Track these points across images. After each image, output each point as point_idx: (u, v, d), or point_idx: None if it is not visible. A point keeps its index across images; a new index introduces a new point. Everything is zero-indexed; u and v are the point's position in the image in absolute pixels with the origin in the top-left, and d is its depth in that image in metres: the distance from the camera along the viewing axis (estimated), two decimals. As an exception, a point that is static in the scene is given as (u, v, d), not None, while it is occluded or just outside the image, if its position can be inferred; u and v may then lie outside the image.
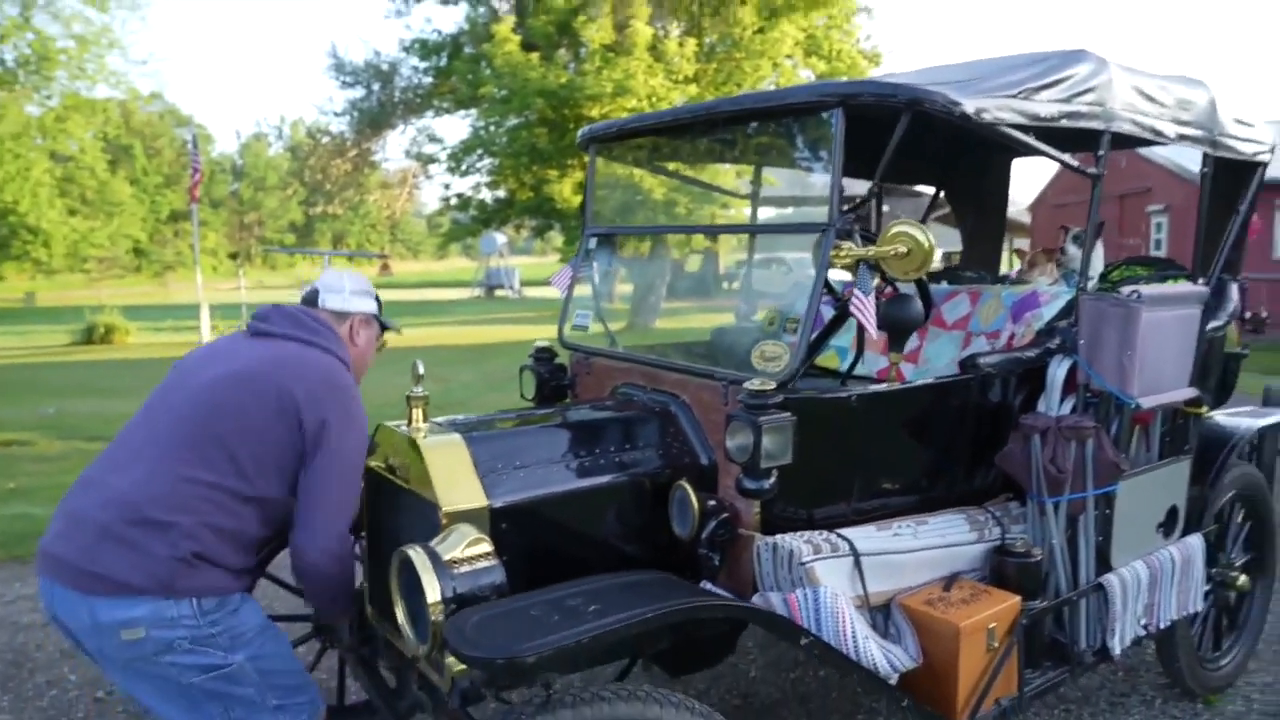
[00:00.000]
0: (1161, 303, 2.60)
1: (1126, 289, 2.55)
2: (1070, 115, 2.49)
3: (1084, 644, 2.61)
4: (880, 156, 2.22)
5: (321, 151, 28.69)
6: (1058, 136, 2.55)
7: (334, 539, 2.13)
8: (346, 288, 2.41)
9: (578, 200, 15.95)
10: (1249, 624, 3.51)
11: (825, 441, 2.27)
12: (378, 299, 2.50)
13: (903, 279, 2.27)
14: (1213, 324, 3.15)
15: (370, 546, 2.44)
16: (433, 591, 1.79)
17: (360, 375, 2.42)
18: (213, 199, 51.04)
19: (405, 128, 22.89)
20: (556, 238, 20.05)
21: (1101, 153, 2.64)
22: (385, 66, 21.44)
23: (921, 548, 2.34)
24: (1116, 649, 2.63)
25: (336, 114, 23.39)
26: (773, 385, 2.09)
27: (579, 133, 3.19)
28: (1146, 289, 2.55)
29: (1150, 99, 2.77)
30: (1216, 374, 3.39)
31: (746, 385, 2.09)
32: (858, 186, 2.63)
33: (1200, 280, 3.11)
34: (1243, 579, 3.26)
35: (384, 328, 2.54)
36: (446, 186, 23.75)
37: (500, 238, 30.80)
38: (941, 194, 4.29)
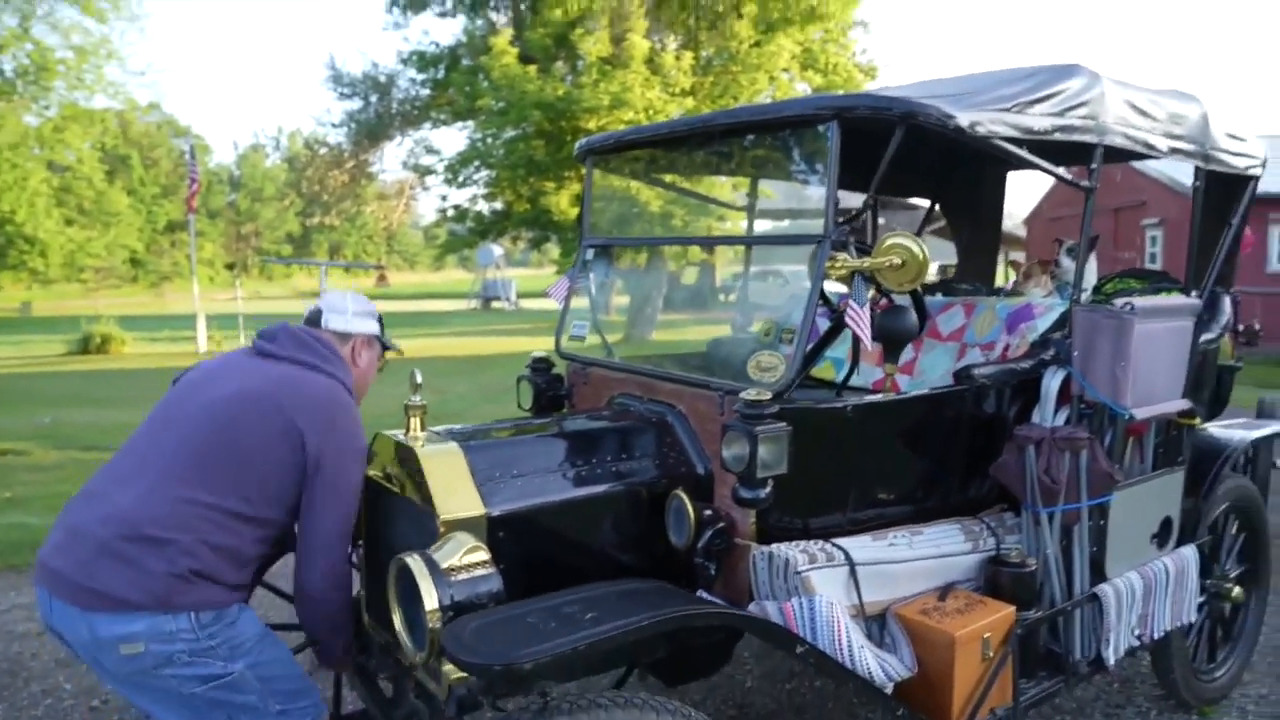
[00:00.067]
0: (1154, 315, 2.62)
1: (1120, 301, 2.57)
2: (1063, 129, 2.52)
3: (1079, 654, 2.62)
4: (875, 169, 2.24)
5: (319, 162, 28.72)
6: (1051, 150, 2.57)
7: (334, 566, 2.15)
8: (350, 309, 2.43)
9: (574, 212, 16.00)
10: (1244, 636, 3.52)
11: (821, 451, 2.28)
12: (380, 320, 2.52)
13: (897, 291, 2.29)
14: (1206, 336, 3.17)
15: (368, 555, 2.45)
16: (430, 599, 1.80)
17: (361, 395, 2.44)
18: (210, 209, 51.03)
19: (402, 139, 22.88)
20: (553, 250, 20.08)
21: (1094, 166, 2.66)
22: (383, 78, 21.51)
23: (917, 558, 2.35)
24: (1111, 659, 2.64)
25: (334, 125, 23.47)
26: (769, 395, 2.10)
27: (577, 144, 3.21)
28: (1139, 301, 2.57)
29: (1142, 113, 2.79)
30: (1210, 386, 3.41)
31: (742, 395, 2.10)
32: (853, 199, 2.65)
33: (1193, 293, 3.14)
34: (1237, 591, 3.27)
35: (385, 348, 2.56)
36: (443, 198, 23.79)
37: (497, 249, 30.84)
38: (937, 207, 4.32)
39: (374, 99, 21.76)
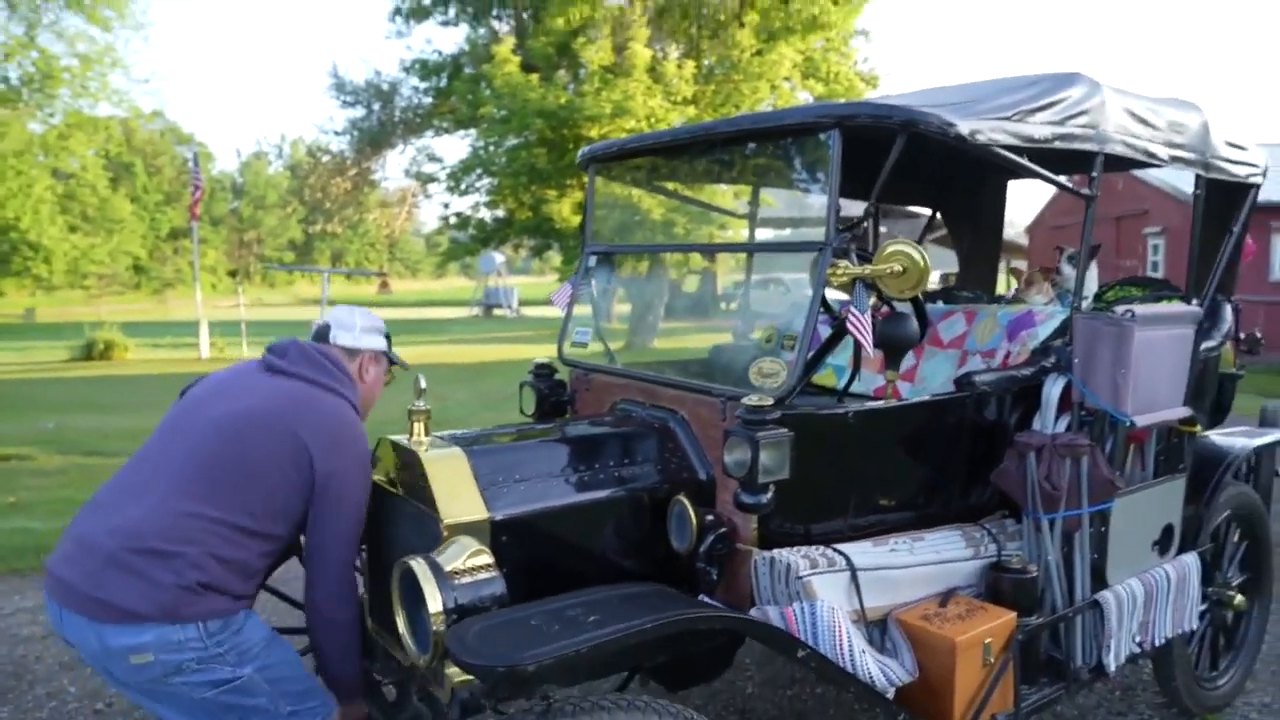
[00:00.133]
0: (1155, 322, 2.63)
1: (1120, 308, 2.58)
2: (1063, 137, 2.53)
3: (1080, 660, 2.62)
4: (877, 177, 2.25)
5: (321, 170, 28.83)
6: (1052, 158, 2.59)
7: (342, 584, 2.17)
8: (358, 325, 2.45)
9: (576, 220, 16.04)
10: (1246, 644, 3.52)
11: (822, 457, 2.29)
12: (387, 335, 2.54)
13: (898, 297, 2.30)
14: (1207, 344, 3.18)
15: (371, 558, 2.46)
16: (434, 602, 1.81)
17: (367, 410, 2.46)
18: (213, 217, 51.20)
19: (405, 147, 23.02)
20: (555, 257, 20.13)
21: (1094, 174, 2.67)
22: (385, 86, 21.62)
23: (918, 563, 2.36)
24: (1112, 666, 2.64)
25: (337, 133, 23.54)
26: (770, 401, 2.11)
27: (579, 152, 3.23)
28: (1140, 308, 2.57)
29: (1143, 121, 2.81)
30: (1212, 394, 3.42)
31: (744, 401, 2.11)
32: (855, 208, 2.66)
33: (1194, 301, 3.15)
34: (1239, 598, 3.27)
35: (392, 363, 2.58)
36: (446, 206, 23.96)
37: (499, 257, 30.89)
38: (938, 215, 4.33)
39: (377, 107, 21.86)
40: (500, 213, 18.72)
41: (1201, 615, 3.10)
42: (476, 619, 1.78)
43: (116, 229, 39.93)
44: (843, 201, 2.33)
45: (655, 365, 3.24)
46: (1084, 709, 3.38)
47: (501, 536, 2.06)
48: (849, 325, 2.21)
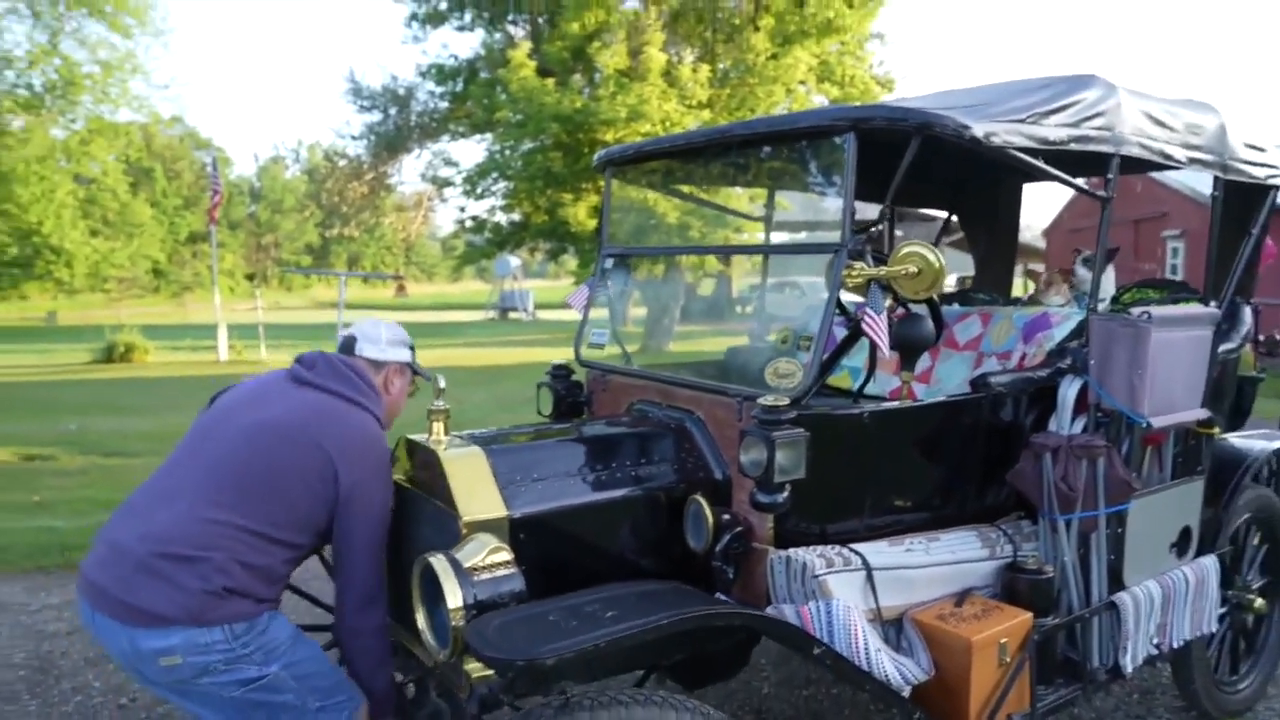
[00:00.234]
0: (1172, 323, 2.62)
1: (1137, 310, 2.58)
2: (1079, 139, 2.54)
3: (1096, 662, 2.62)
4: (892, 180, 2.27)
5: (338, 174, 28.97)
6: (1067, 160, 2.59)
7: (369, 595, 2.20)
8: (383, 337, 2.48)
9: (592, 224, 16.07)
10: (1267, 647, 3.49)
11: (838, 457, 2.30)
12: (412, 347, 2.56)
13: (913, 299, 2.31)
14: (1226, 346, 3.16)
15: (391, 556, 2.49)
16: (454, 597, 1.84)
17: (391, 423, 2.49)
18: (230, 221, 51.55)
19: (421, 151, 23.07)
20: (570, 261, 20.15)
21: (1110, 176, 2.67)
22: (402, 91, 21.71)
23: (933, 563, 2.37)
24: (1128, 667, 2.64)
25: (353, 138, 23.64)
26: (786, 401, 2.13)
27: (596, 155, 3.26)
28: (1157, 310, 2.57)
29: (1159, 123, 2.80)
30: (1230, 397, 3.40)
31: (760, 401, 2.12)
32: (870, 210, 2.67)
33: (1212, 303, 3.14)
34: (1260, 602, 3.26)
35: (416, 374, 2.61)
36: (461, 209, 24.05)
37: (514, 261, 30.96)
38: (953, 218, 4.33)
39: (393, 111, 21.96)
40: (516, 216, 18.77)
41: (1221, 618, 3.08)
42: (495, 614, 1.80)
43: (136, 233, 40.30)
44: (858, 204, 2.34)
45: (671, 367, 3.26)
46: (1102, 711, 3.36)
47: (520, 534, 2.09)
48: (864, 327, 2.22)
